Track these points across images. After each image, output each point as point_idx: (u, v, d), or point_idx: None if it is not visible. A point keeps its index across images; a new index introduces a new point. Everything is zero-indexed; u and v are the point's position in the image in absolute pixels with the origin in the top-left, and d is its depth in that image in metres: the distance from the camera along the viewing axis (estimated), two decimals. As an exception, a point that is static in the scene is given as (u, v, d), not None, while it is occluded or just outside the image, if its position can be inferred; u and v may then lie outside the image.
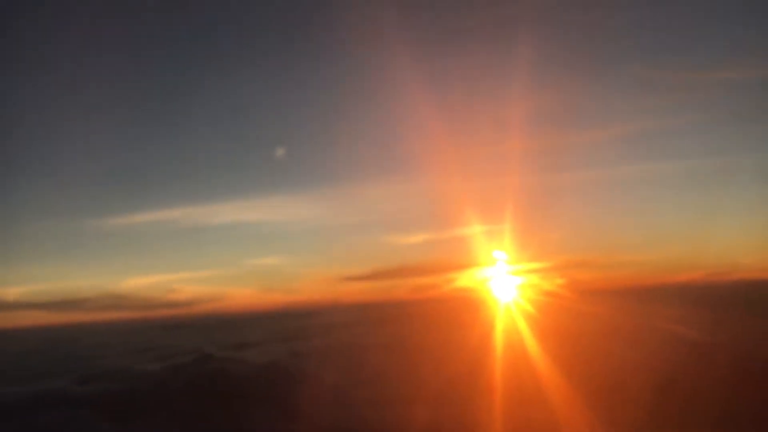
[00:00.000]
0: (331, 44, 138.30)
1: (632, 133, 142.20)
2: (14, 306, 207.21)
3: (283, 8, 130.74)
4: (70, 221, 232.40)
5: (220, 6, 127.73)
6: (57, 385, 41.28)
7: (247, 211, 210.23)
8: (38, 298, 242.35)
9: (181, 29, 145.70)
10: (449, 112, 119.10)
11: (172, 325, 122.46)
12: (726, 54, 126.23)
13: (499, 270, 51.03)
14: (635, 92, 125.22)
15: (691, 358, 32.66)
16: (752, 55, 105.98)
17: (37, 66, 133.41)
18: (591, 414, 25.77)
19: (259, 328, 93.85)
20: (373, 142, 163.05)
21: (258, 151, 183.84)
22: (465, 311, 58.57)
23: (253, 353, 54.47)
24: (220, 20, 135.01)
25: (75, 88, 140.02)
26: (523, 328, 40.16)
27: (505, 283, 52.51)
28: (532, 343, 36.78)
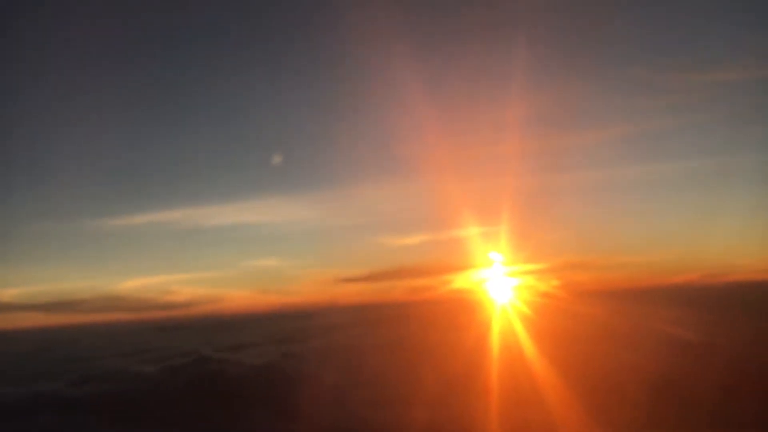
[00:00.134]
0: (328, 46, 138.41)
1: (629, 135, 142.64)
2: (11, 307, 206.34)
3: (281, 9, 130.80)
4: (67, 222, 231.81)
5: (219, 6, 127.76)
6: (53, 387, 41.19)
7: (244, 213, 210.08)
8: (35, 299, 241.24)
9: (181, 30, 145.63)
10: (446, 113, 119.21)
11: (169, 327, 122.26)
12: (725, 55, 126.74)
13: (496, 271, 51.15)
14: (632, 93, 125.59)
15: (687, 360, 32.82)
16: (751, 56, 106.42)
17: (36, 66, 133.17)
18: (587, 415, 25.84)
19: (256, 329, 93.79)
20: (370, 144, 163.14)
21: (255, 153, 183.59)
22: (461, 313, 58.67)
23: (251, 354, 54.43)
24: (219, 21, 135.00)
25: (72, 89, 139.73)
26: (520, 329, 40.26)
27: (501, 285, 52.64)
28: (528, 345, 36.88)
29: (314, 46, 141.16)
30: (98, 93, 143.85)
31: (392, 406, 30.36)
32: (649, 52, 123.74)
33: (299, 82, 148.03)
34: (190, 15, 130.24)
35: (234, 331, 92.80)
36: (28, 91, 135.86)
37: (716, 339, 39.62)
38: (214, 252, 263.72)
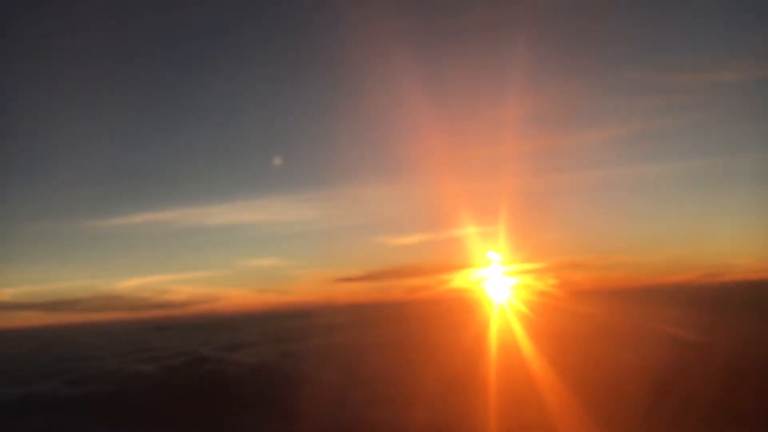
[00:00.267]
0: (326, 45, 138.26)
1: (628, 135, 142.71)
2: (9, 306, 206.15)
3: (281, 8, 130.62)
4: (65, 222, 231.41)
5: (218, 5, 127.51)
6: (49, 387, 41.03)
7: (242, 213, 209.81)
8: (32, 298, 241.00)
9: (180, 29, 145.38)
10: (444, 112, 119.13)
11: (166, 326, 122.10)
12: (724, 55, 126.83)
13: (494, 271, 51.15)
14: (630, 93, 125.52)
15: (685, 359, 32.79)
16: (751, 56, 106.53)
17: (35, 66, 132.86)
18: (585, 414, 25.80)
19: (254, 328, 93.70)
20: (367, 144, 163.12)
21: (254, 153, 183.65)
22: (459, 312, 58.66)
23: (248, 354, 54.33)
24: (218, 21, 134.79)
25: (71, 89, 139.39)
26: (518, 328, 40.24)
27: (499, 284, 52.65)
28: (526, 344, 36.84)
29: (312, 46, 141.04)
30: (97, 92, 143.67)
31: (391, 406, 30.29)
32: (648, 52, 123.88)
33: (298, 82, 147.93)
34: (189, 14, 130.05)
35: (232, 331, 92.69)
36: (26, 90, 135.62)
37: (714, 338, 39.62)
38: (212, 251, 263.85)
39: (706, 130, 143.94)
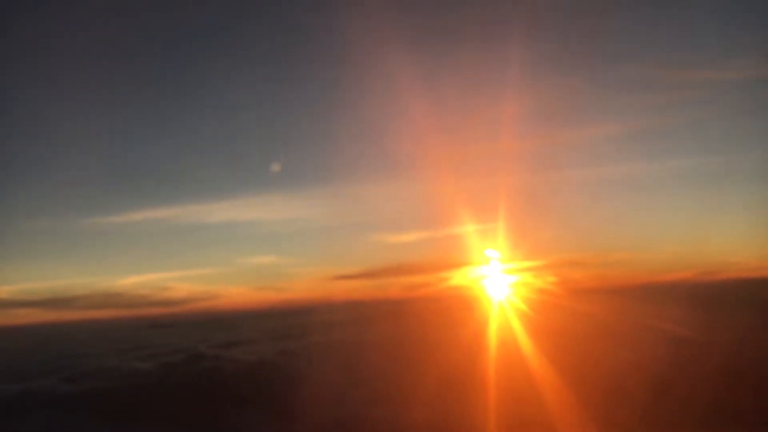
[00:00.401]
0: (324, 43, 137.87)
1: (627, 132, 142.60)
2: (8, 304, 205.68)
3: (279, 6, 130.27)
4: (64, 219, 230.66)
5: (217, 4, 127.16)
6: (46, 384, 41.00)
7: (241, 210, 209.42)
8: (31, 295, 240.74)
9: (177, 28, 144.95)
10: (443, 110, 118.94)
11: (165, 324, 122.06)
12: (724, 52, 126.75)
13: (492, 268, 51.25)
14: (630, 90, 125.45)
15: (682, 356, 32.84)
16: (751, 54, 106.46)
17: (33, 63, 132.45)
18: (583, 411, 25.84)
19: (252, 326, 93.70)
20: (365, 141, 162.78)
21: (253, 151, 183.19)
22: (458, 309, 58.70)
23: (246, 351, 54.33)
24: (216, 18, 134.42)
25: (69, 86, 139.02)
26: (517, 326, 40.29)
27: (498, 282, 52.76)
28: (525, 342, 36.88)
29: (310, 43, 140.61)
30: (96, 90, 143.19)
31: (389, 404, 30.30)
32: (648, 49, 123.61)
33: (296, 80, 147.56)
34: (188, 12, 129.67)
35: (230, 328, 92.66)
36: (25, 87, 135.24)
37: (712, 336, 39.70)
38: (211, 249, 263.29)
39: (705, 127, 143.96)
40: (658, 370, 29.83)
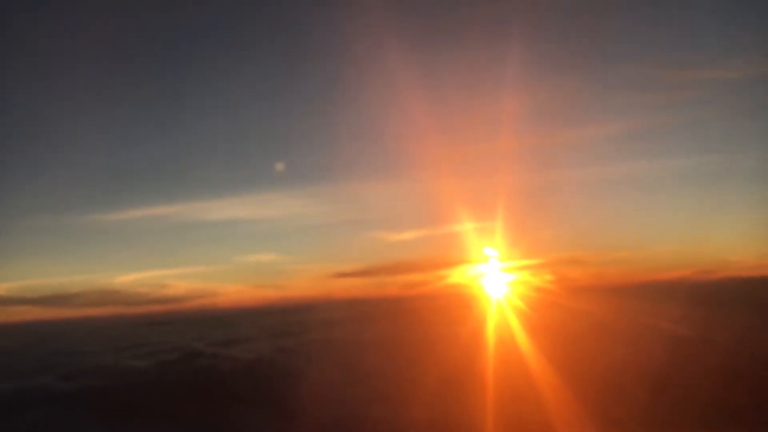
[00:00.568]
0: (324, 42, 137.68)
1: (626, 131, 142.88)
2: (4, 301, 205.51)
3: (279, 4, 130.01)
4: (62, 216, 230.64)
5: (217, 2, 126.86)
6: (43, 381, 40.87)
7: (240, 208, 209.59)
8: (29, 293, 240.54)
9: (176, 26, 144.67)
10: (442, 109, 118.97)
11: (163, 321, 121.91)
12: (724, 52, 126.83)
13: (491, 267, 51.24)
14: (629, 90, 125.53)
15: (680, 355, 32.82)
16: (751, 54, 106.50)
17: (33, 62, 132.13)
18: (581, 409, 25.80)
19: (250, 324, 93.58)
20: (365, 140, 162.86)
21: (252, 149, 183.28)
22: (457, 308, 58.69)
23: (244, 349, 54.23)
24: (215, 16, 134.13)
25: (69, 84, 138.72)
26: (515, 324, 40.28)
27: (496, 280, 52.78)
28: (523, 340, 36.86)
29: (309, 42, 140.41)
30: (95, 88, 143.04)
31: (388, 403, 30.23)
32: (648, 49, 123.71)
33: (296, 78, 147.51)
34: (188, 10, 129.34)
35: (229, 326, 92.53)
36: (24, 85, 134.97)
37: (710, 334, 39.70)
38: (209, 246, 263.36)
39: (704, 127, 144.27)
40: (656, 368, 29.79)
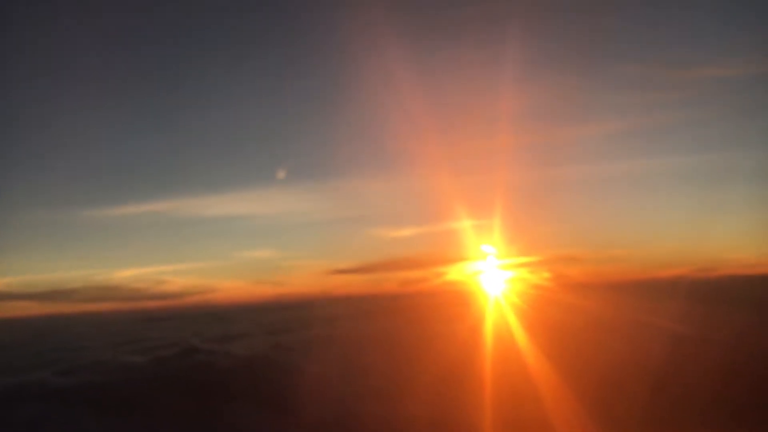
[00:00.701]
0: (322, 40, 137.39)
1: (624, 130, 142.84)
2: (3, 296, 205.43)
3: (277, 4, 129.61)
4: (61, 212, 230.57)
5: (215, 1, 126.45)
6: (41, 376, 40.80)
7: (238, 204, 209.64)
8: (28, 288, 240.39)
9: (178, 23, 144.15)
10: (440, 106, 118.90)
11: (161, 317, 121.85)
12: (722, 51, 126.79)
13: (489, 264, 51.28)
14: (627, 89, 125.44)
15: (679, 352, 32.80)
16: (749, 53, 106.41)
17: (33, 58, 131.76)
18: (579, 406, 25.76)
19: (247, 320, 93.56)
20: (363, 137, 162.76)
21: (250, 145, 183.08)
22: (454, 305, 58.77)
23: (241, 346, 54.18)
24: (217, 14, 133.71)
25: (69, 80, 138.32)
26: (512, 321, 40.29)
27: (494, 277, 52.82)
28: (521, 337, 36.85)
29: (308, 40, 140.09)
30: (95, 83, 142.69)
31: (385, 399, 30.19)
32: (646, 48, 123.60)
33: (295, 76, 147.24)
34: (187, 8, 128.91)
35: (225, 322, 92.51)
36: (24, 81, 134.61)
37: (708, 332, 39.70)
38: (207, 242, 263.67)
39: (703, 125, 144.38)
40: (654, 366, 29.75)
